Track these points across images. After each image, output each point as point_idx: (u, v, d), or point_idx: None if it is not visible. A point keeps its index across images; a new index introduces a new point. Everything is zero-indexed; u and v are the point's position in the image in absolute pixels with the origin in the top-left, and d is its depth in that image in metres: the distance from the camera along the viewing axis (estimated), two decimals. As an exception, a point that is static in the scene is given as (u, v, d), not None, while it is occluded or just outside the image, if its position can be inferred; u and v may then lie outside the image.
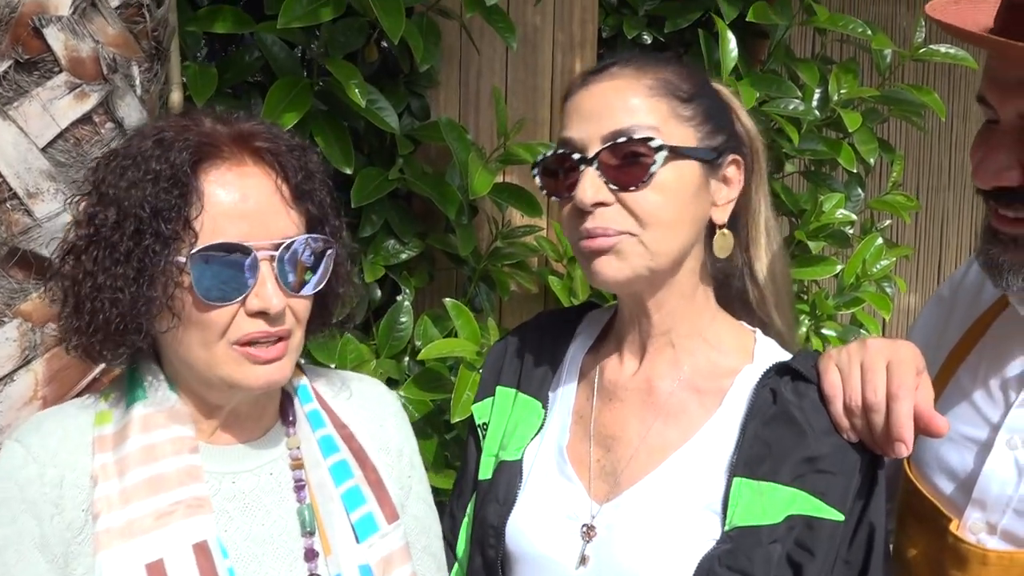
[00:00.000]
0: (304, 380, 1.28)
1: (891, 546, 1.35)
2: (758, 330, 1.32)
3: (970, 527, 1.22)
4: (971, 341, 1.34)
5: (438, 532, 1.36)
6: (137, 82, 1.72)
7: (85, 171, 1.11)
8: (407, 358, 2.32)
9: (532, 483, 1.29)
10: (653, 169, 1.17)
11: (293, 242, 1.10)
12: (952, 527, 1.22)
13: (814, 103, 2.70)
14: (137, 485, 1.10)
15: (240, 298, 1.07)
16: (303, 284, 1.13)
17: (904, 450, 1.13)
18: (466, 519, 1.38)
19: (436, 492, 2.22)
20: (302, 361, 2.12)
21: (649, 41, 2.81)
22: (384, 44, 2.39)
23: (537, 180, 1.27)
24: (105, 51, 1.66)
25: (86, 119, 1.65)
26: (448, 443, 2.30)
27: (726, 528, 1.15)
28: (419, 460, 1.37)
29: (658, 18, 2.80)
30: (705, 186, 1.23)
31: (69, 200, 1.14)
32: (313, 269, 1.14)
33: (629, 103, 1.20)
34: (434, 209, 2.34)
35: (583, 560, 1.21)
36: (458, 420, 2.05)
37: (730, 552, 1.13)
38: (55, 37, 1.61)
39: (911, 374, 1.15)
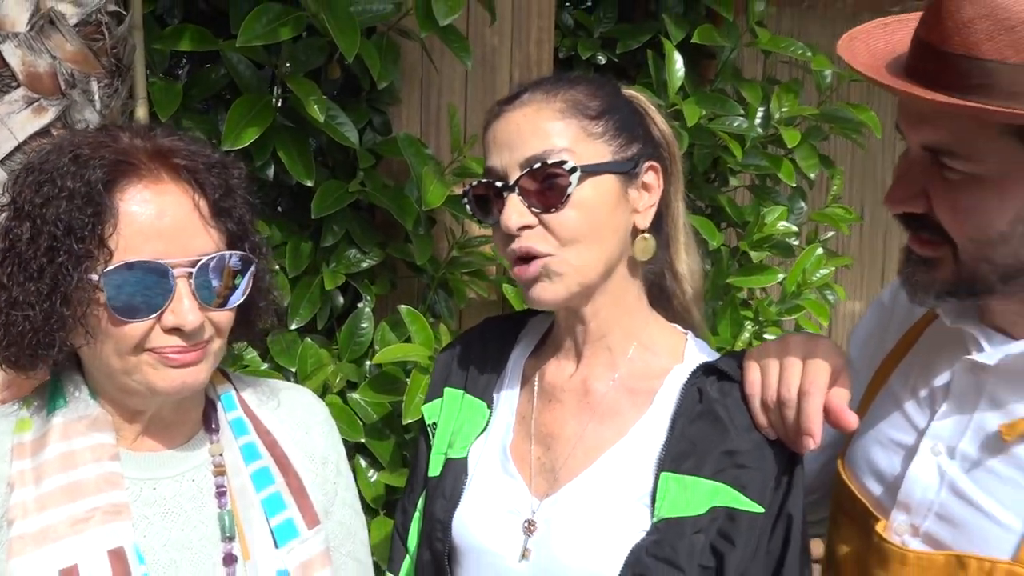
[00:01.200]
0: (229, 388, 1.25)
1: (813, 539, 1.33)
2: (690, 332, 1.32)
3: (895, 528, 1.21)
4: (904, 348, 1.33)
5: (364, 539, 1.34)
6: (96, 97, 1.69)
7: (3, 182, 1.07)
8: (368, 362, 2.29)
9: (477, 480, 1.29)
10: (570, 190, 1.17)
11: (211, 259, 1.06)
12: (879, 527, 1.22)
13: (757, 120, 2.71)
14: (53, 492, 1.06)
15: (155, 315, 1.04)
16: (225, 299, 1.09)
17: (812, 444, 1.13)
18: (417, 514, 1.37)
19: (393, 491, 2.21)
20: (254, 371, 2.11)
21: (603, 61, 2.82)
22: (346, 62, 2.36)
23: (468, 208, 1.27)
24: (63, 67, 1.62)
25: (44, 132, 1.61)
26: (406, 443, 2.27)
27: (654, 520, 1.16)
28: (346, 467, 1.34)
29: (611, 40, 2.81)
30: (624, 196, 1.23)
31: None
32: (234, 284, 1.09)
33: (540, 128, 1.20)
34: (394, 220, 2.31)
35: (525, 554, 1.21)
36: (409, 421, 2.03)
37: (657, 543, 1.14)
38: (12, 53, 1.58)
39: (824, 371, 1.15)
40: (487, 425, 1.33)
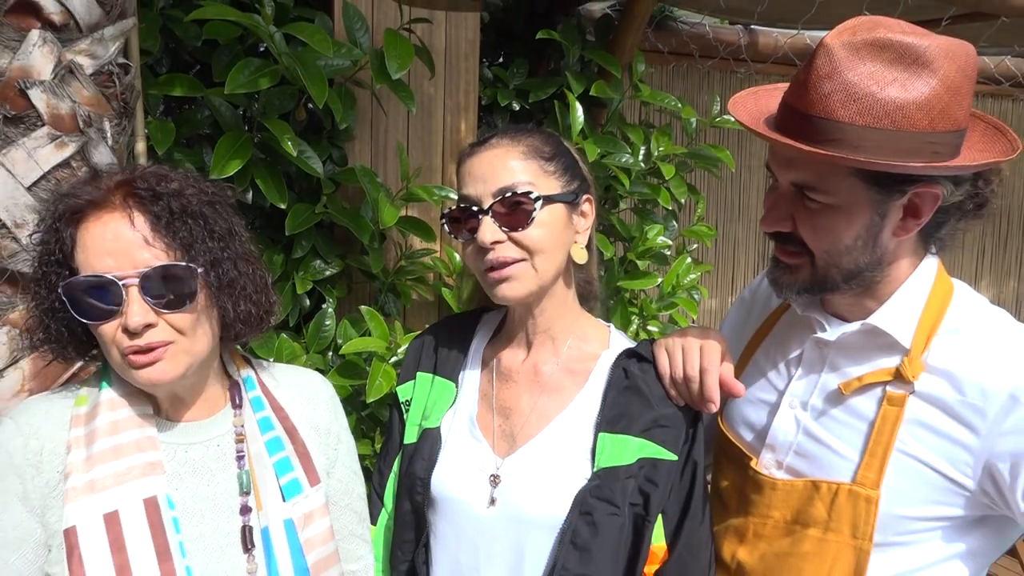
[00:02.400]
0: (251, 372, 1.27)
1: (709, 480, 1.41)
2: (611, 324, 1.38)
3: (764, 464, 1.29)
4: (765, 331, 1.42)
5: (360, 493, 1.35)
6: (108, 134, 1.67)
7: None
8: (331, 353, 2.30)
9: (449, 444, 1.32)
10: (534, 214, 1.22)
11: (153, 270, 1.05)
12: (752, 464, 1.30)
13: (640, 157, 2.78)
14: (102, 452, 1.08)
15: (114, 317, 1.05)
16: (179, 302, 1.07)
17: (713, 408, 1.21)
18: (392, 475, 1.39)
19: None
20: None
21: (517, 108, 2.85)
22: (310, 106, 2.38)
23: (446, 228, 1.29)
24: (81, 109, 1.61)
25: (65, 164, 1.59)
26: (364, 419, 2.29)
27: (594, 469, 1.20)
28: (347, 436, 1.35)
29: (524, 91, 2.85)
30: (569, 220, 1.28)
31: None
32: (183, 290, 1.08)
33: (509, 166, 1.23)
34: (352, 236, 2.32)
35: (492, 501, 1.24)
36: (372, 400, 2.05)
37: (597, 486, 1.19)
38: (38, 97, 1.55)
39: (717, 354, 1.23)
40: (455, 401, 1.36)
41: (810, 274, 1.20)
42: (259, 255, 1.24)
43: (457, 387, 1.37)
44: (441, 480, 1.29)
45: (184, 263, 1.07)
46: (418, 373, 1.41)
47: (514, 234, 1.22)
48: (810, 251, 1.18)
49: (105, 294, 1.04)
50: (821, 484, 1.20)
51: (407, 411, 1.39)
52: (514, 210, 1.22)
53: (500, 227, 1.22)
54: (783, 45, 3.57)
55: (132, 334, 1.05)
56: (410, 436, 1.35)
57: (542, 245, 1.23)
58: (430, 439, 1.32)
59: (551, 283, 1.28)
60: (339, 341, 2.26)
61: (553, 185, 1.25)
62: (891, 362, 1.19)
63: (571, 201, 1.27)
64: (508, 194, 1.22)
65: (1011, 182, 4.85)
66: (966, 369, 1.13)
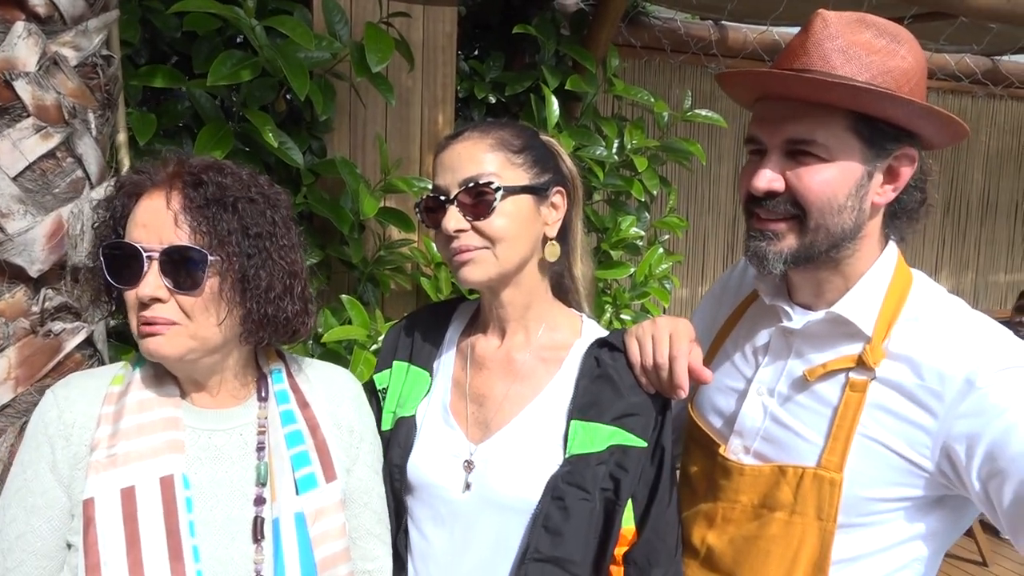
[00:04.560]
0: (280, 365, 1.27)
1: (678, 465, 1.44)
2: (584, 314, 1.39)
3: (732, 450, 1.31)
4: (733, 322, 1.44)
5: (380, 493, 1.32)
6: (92, 125, 1.67)
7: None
8: (311, 342, 2.31)
9: (424, 432, 1.33)
10: (495, 204, 1.23)
11: (174, 248, 1.07)
12: (720, 450, 1.32)
13: (614, 150, 2.80)
14: (128, 429, 1.11)
15: (136, 285, 1.09)
16: (191, 285, 1.08)
17: (682, 394, 1.23)
18: None
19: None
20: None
21: (493, 101, 2.86)
22: (290, 98, 2.38)
23: (419, 217, 1.31)
24: (66, 100, 1.60)
25: (50, 155, 1.59)
26: (344, 406, 2.30)
27: (566, 456, 1.22)
28: (371, 435, 1.34)
29: (500, 84, 2.86)
30: (536, 211, 1.29)
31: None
32: (197, 275, 1.08)
33: (475, 157, 1.25)
34: (331, 226, 2.34)
35: (467, 487, 1.26)
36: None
37: (569, 472, 1.20)
38: (23, 89, 1.55)
39: (686, 342, 1.26)
40: (429, 389, 1.37)
41: (797, 240, 1.21)
42: (303, 267, 1.21)
43: (431, 375, 1.38)
44: (417, 466, 1.30)
45: (198, 247, 1.08)
46: (394, 362, 1.42)
47: (477, 223, 1.24)
48: (801, 210, 1.19)
49: (132, 262, 1.08)
50: (787, 468, 1.22)
51: (384, 398, 1.40)
52: (477, 200, 1.24)
53: (464, 216, 1.24)
54: (752, 41, 3.63)
55: (144, 305, 1.08)
56: (386, 423, 1.37)
57: (503, 234, 1.25)
58: (405, 427, 1.34)
59: (515, 271, 1.29)
60: (320, 330, 2.27)
61: (519, 176, 1.27)
62: (854, 349, 1.21)
63: (539, 193, 1.29)
64: (471, 184, 1.24)
65: (970, 175, 4.98)
66: (925, 355, 1.16)
